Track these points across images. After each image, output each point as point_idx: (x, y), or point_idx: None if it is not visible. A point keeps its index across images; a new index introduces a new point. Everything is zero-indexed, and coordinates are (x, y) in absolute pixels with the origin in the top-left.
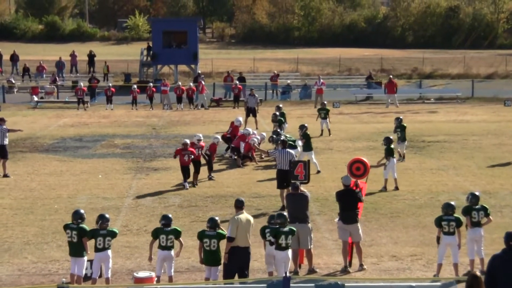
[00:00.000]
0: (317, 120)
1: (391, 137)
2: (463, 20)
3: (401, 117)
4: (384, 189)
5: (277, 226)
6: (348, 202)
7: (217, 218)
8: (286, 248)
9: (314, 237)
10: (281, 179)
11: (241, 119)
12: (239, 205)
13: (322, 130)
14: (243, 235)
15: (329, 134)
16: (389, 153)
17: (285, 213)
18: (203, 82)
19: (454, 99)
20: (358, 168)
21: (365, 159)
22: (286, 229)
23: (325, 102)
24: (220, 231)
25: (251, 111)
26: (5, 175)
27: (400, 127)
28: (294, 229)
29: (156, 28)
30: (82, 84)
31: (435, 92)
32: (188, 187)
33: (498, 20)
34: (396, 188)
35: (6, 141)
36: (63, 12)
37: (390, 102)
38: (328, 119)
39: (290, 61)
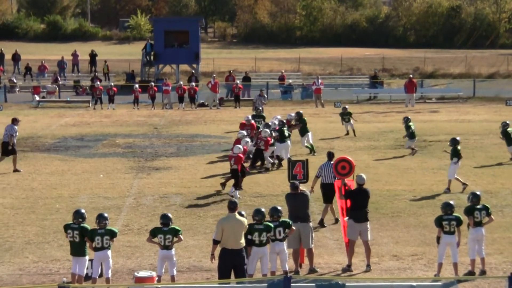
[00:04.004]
0: (342, 125)
1: (457, 138)
2: (465, 19)
3: (408, 117)
4: (448, 190)
5: (253, 223)
6: (361, 201)
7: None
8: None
9: (315, 237)
10: (326, 194)
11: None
12: (231, 207)
13: (347, 131)
14: (232, 238)
15: (354, 135)
16: (454, 154)
17: (263, 210)
18: (212, 81)
19: (456, 98)
20: (343, 167)
21: (350, 158)
22: (261, 226)
23: (347, 107)
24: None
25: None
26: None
27: (406, 127)
28: (271, 225)
29: (158, 27)
30: (99, 83)
31: (437, 91)
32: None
33: (500, 19)
34: (448, 190)
35: (15, 140)
36: (65, 12)
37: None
38: (351, 120)
39: (292, 60)
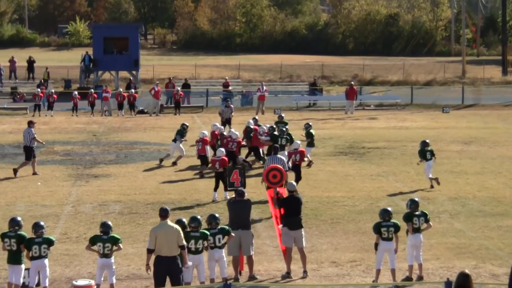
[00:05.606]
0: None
1: (427, 141)
2: (403, 27)
3: (309, 123)
4: (437, 183)
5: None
6: (293, 208)
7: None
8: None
9: (255, 244)
10: None
11: (218, 124)
12: (163, 214)
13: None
14: (165, 245)
15: None
16: (421, 155)
17: (199, 217)
18: (156, 88)
19: (394, 105)
20: (274, 176)
21: (281, 167)
22: (197, 233)
23: (283, 115)
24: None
25: (227, 122)
26: (34, 173)
27: (307, 134)
28: (207, 233)
29: (97, 34)
30: (39, 90)
31: (375, 98)
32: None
33: (436, 27)
34: (431, 187)
35: (34, 143)
36: (2, 17)
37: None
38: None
39: (231, 67)
